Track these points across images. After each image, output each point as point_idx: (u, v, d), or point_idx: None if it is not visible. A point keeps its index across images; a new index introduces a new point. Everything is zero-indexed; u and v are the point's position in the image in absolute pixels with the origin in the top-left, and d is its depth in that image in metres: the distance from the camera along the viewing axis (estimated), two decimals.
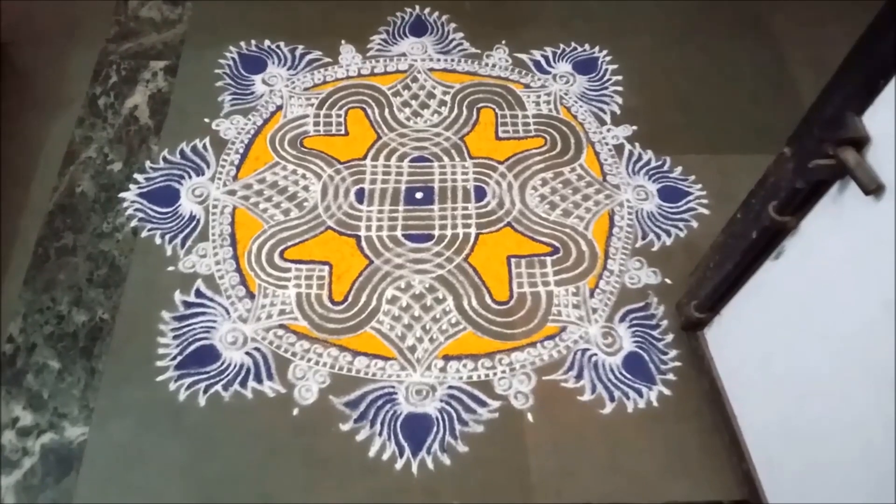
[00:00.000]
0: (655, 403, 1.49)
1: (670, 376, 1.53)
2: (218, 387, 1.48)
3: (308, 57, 2.00)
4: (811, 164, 0.97)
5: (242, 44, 2.03)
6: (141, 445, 1.42)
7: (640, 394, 1.50)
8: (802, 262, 1.14)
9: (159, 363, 1.50)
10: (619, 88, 1.98)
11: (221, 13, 2.10)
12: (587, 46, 2.07)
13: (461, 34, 2.08)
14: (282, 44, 2.03)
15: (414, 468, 1.40)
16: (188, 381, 1.48)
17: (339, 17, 2.10)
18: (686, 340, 1.55)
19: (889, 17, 0.87)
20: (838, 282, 1.05)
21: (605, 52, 2.06)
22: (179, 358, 1.51)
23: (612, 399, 1.49)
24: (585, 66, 2.03)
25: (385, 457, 1.41)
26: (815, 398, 1.15)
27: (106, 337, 1.53)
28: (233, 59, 1.99)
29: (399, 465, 1.41)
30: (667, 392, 1.51)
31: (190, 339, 1.53)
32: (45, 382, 1.48)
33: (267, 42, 2.03)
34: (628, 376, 1.52)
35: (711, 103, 1.98)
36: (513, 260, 1.67)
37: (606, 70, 2.02)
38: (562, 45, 2.07)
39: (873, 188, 0.89)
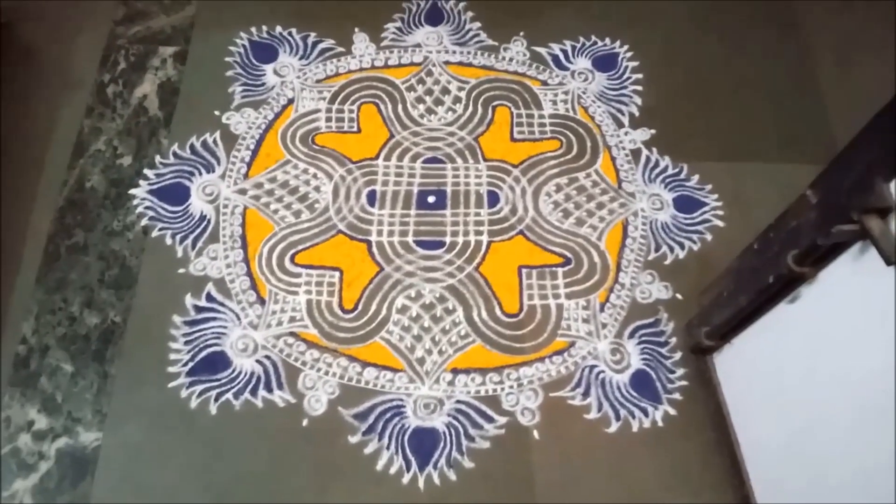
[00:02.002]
0: (660, 423, 1.51)
1: (676, 395, 1.54)
2: (229, 395, 1.50)
3: (321, 46, 1.95)
4: (835, 229, 0.95)
5: (253, 29, 1.97)
6: (154, 451, 1.44)
7: (645, 413, 1.51)
8: (818, 309, 1.13)
9: (171, 369, 1.52)
10: (639, 88, 1.93)
11: None
12: (608, 41, 2.01)
13: (478, 24, 2.01)
14: (294, 30, 1.97)
15: (420, 483, 1.43)
16: (199, 388, 1.50)
17: (353, 1, 2.03)
18: (693, 360, 1.56)
19: None
20: (853, 331, 1.05)
21: (625, 47, 2.00)
22: (191, 364, 1.52)
23: (618, 418, 1.51)
24: (605, 63, 1.97)
25: (392, 470, 1.44)
26: (820, 433, 1.16)
27: (118, 340, 1.55)
28: (243, 45, 1.94)
29: (406, 479, 1.43)
30: (672, 412, 1.52)
31: (201, 346, 1.54)
32: (58, 385, 1.50)
33: (279, 28, 1.97)
34: (635, 395, 1.53)
35: (732, 105, 1.93)
36: (524, 270, 1.66)
37: (626, 67, 1.96)
38: (581, 39, 2.00)
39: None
